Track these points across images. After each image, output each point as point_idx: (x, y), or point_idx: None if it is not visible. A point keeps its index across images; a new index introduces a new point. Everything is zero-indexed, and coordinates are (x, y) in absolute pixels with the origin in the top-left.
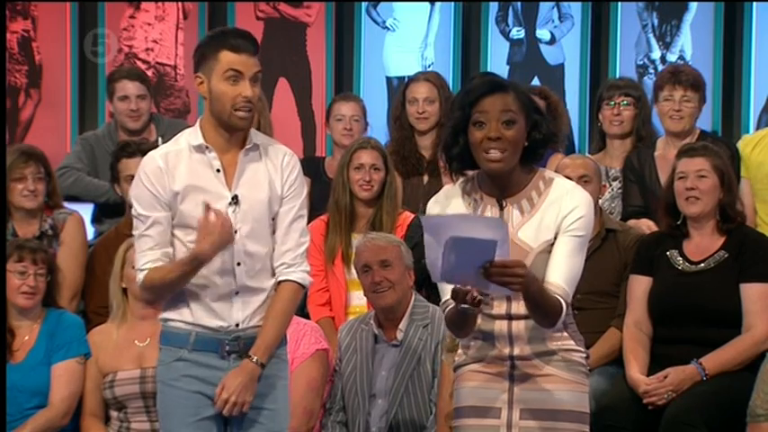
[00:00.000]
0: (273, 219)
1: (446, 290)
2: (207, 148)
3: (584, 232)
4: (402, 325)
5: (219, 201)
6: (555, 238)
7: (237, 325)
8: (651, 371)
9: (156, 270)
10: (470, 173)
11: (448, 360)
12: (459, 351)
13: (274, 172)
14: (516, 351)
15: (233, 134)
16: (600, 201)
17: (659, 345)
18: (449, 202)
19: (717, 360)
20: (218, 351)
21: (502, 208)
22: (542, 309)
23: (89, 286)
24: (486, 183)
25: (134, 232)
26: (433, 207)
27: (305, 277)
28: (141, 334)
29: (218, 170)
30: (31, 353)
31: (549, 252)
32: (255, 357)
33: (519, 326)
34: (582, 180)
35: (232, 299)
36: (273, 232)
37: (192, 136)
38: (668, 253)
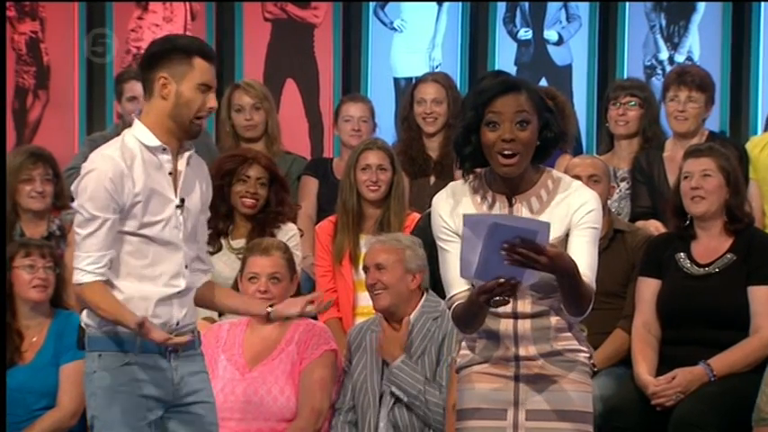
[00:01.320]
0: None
1: (454, 284)
2: (164, 149)
3: (597, 225)
4: (412, 317)
5: (168, 204)
6: (566, 236)
7: (177, 323)
8: (659, 372)
9: (98, 292)
10: (479, 170)
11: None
12: (464, 351)
13: (203, 179)
14: (522, 351)
15: (184, 138)
16: (608, 201)
17: (668, 346)
18: (458, 199)
19: (725, 361)
20: (161, 351)
21: (511, 205)
22: (576, 293)
23: None
24: (495, 181)
25: (78, 229)
26: (444, 205)
27: None
28: None
29: (170, 173)
30: (40, 354)
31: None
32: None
33: (525, 325)
34: (591, 180)
35: (173, 300)
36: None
37: (141, 136)
38: (676, 255)
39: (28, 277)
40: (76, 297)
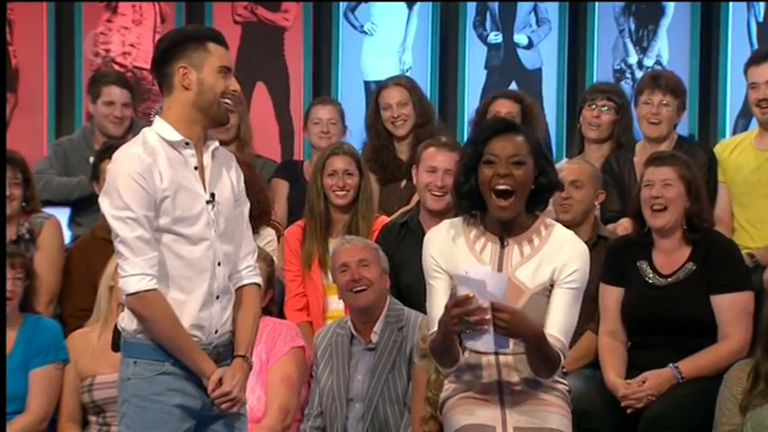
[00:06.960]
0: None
1: (437, 320)
2: (187, 144)
3: (579, 284)
4: (377, 327)
5: (198, 199)
6: (551, 286)
7: (216, 332)
8: (628, 375)
9: (159, 304)
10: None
11: (422, 364)
12: (447, 385)
13: (232, 173)
14: (504, 377)
15: (207, 130)
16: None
17: (635, 351)
18: (451, 236)
19: (693, 365)
20: None
21: (503, 246)
22: (541, 356)
23: (65, 290)
24: (489, 221)
25: (124, 234)
26: (436, 242)
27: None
28: None
29: (196, 167)
30: (9, 358)
31: (545, 295)
32: (247, 356)
33: (507, 358)
34: (573, 185)
35: (213, 304)
36: None
37: (162, 132)
38: (638, 264)
39: None
40: (127, 306)
